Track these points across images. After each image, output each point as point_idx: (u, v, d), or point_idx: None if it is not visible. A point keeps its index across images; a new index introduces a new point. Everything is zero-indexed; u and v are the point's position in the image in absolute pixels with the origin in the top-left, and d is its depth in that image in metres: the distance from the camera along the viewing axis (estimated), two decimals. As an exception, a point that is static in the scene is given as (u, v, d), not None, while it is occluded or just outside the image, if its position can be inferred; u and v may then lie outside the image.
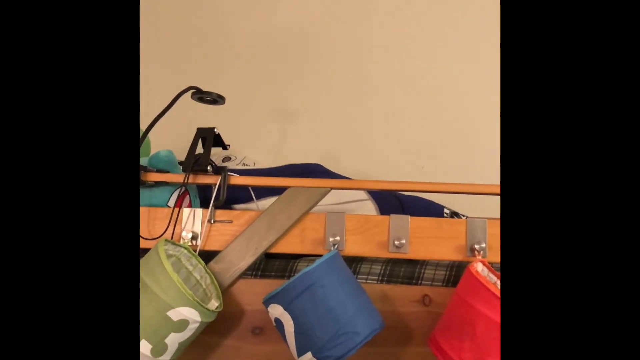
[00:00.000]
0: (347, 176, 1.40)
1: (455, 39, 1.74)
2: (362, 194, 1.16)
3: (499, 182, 0.94)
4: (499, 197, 1.00)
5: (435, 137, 1.69)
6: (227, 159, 1.51)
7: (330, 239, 0.96)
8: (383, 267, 1.00)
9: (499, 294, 0.83)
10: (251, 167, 1.40)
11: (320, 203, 0.98)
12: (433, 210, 1.17)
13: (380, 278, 0.99)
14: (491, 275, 0.92)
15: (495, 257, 0.96)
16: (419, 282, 0.98)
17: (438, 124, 1.70)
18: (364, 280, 0.99)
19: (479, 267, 0.91)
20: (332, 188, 0.98)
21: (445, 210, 1.18)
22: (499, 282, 0.92)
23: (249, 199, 1.11)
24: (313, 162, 1.42)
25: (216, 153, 1.57)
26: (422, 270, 0.99)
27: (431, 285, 0.97)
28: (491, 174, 1.57)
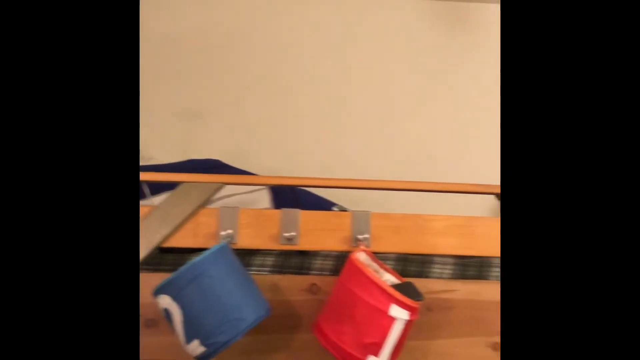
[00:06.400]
0: (253, 172, 1.43)
1: (359, 38, 1.82)
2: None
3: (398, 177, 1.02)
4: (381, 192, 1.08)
5: (342, 136, 1.76)
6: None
7: (223, 233, 0.99)
8: (275, 259, 1.05)
9: (376, 280, 0.90)
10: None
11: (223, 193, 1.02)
12: (324, 205, 1.24)
13: (272, 269, 1.04)
14: (373, 263, 0.99)
15: (379, 247, 1.03)
16: (308, 272, 1.03)
17: (344, 123, 1.77)
18: (257, 272, 1.03)
19: (362, 256, 0.97)
20: (224, 183, 1.02)
21: (334, 208, 1.25)
22: (381, 270, 0.99)
23: (144, 196, 1.13)
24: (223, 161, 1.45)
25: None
26: (312, 261, 1.04)
27: (320, 274, 1.03)
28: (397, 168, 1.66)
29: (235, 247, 1.00)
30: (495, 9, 1.80)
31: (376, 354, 0.87)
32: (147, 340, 0.98)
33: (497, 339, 1.03)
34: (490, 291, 1.04)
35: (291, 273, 1.03)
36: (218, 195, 1.09)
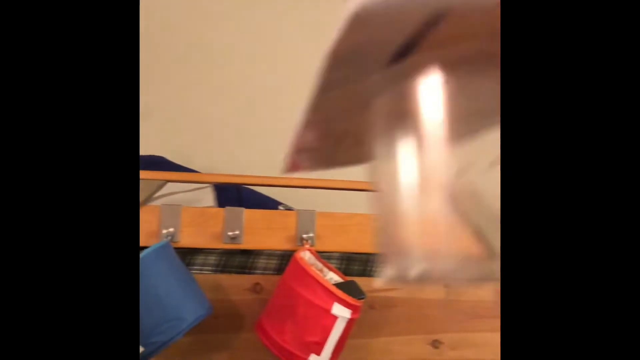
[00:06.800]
0: (196, 170, 1.41)
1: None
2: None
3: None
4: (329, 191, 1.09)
5: (288, 136, 1.76)
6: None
7: (164, 231, 0.97)
8: (218, 258, 1.03)
9: (319, 278, 0.90)
10: None
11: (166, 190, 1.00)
12: (270, 204, 1.23)
13: (214, 269, 1.02)
14: (317, 262, 0.99)
15: (323, 246, 1.03)
16: (252, 271, 1.03)
17: (290, 122, 1.77)
18: (199, 271, 1.01)
19: (306, 255, 0.97)
20: (167, 180, 1.00)
21: (280, 207, 1.25)
22: (325, 269, 0.99)
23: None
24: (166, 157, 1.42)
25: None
26: (255, 260, 1.04)
27: (263, 273, 1.03)
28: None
29: (177, 245, 0.98)
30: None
31: (318, 352, 0.87)
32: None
33: (437, 336, 1.05)
34: (431, 289, 1.06)
35: (234, 272, 1.02)
36: (160, 192, 1.07)
